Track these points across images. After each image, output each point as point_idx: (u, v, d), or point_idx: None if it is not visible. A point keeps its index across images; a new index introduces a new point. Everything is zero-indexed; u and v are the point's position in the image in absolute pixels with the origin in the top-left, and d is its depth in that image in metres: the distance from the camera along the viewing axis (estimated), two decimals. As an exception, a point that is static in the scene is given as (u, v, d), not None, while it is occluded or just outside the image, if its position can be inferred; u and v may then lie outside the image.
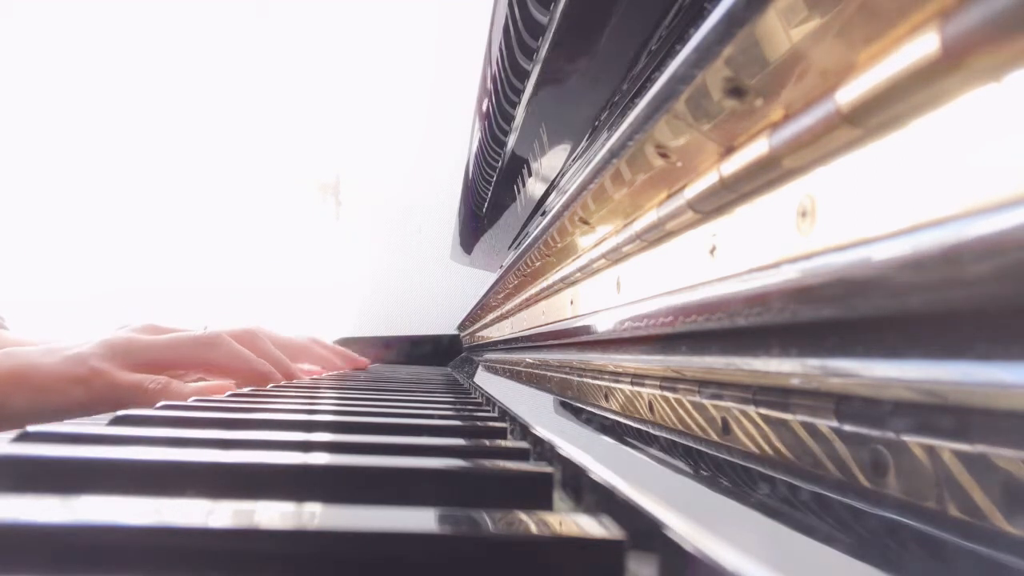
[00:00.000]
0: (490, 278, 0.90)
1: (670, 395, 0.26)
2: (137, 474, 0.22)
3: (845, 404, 0.15)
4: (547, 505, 0.23)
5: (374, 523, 0.17)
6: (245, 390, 0.61)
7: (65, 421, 0.34)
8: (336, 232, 2.22)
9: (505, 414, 0.45)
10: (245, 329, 0.75)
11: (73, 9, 2.25)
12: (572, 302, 0.43)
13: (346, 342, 1.42)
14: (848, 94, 0.14)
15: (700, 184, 0.21)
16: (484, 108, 0.60)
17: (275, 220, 2.24)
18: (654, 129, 0.23)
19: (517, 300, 0.66)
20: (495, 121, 0.57)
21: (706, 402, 0.22)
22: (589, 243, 0.37)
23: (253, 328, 0.76)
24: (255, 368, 0.71)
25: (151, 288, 1.99)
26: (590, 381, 0.38)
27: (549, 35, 0.37)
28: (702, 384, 0.23)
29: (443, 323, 1.57)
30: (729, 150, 0.20)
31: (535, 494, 0.23)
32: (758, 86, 0.17)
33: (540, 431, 0.33)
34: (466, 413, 0.45)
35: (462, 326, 1.37)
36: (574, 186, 0.34)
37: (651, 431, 0.27)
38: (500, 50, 0.48)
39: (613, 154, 0.27)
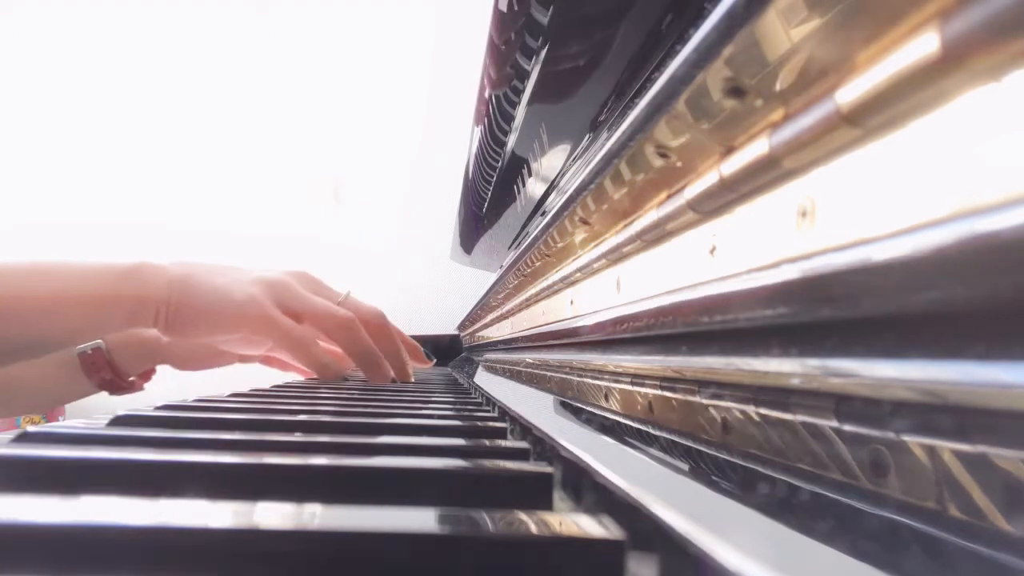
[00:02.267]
0: (490, 278, 0.90)
1: (670, 395, 0.26)
2: (136, 475, 0.22)
3: (845, 404, 0.15)
4: (547, 505, 0.23)
5: (374, 523, 0.17)
6: (245, 390, 0.61)
7: (65, 422, 0.34)
8: (336, 232, 2.22)
9: (505, 414, 0.45)
10: (376, 312, 0.78)
11: (76, 11, 2.24)
12: (572, 302, 0.43)
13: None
14: (848, 94, 0.14)
15: (700, 184, 0.21)
16: (484, 108, 0.60)
17: (275, 220, 2.24)
18: (654, 129, 0.23)
19: (517, 300, 0.66)
20: (495, 121, 0.57)
21: (706, 402, 0.22)
22: (589, 243, 0.37)
23: (381, 312, 0.78)
24: (372, 361, 0.73)
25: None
26: (590, 381, 0.38)
27: (549, 35, 0.37)
28: (702, 384, 0.23)
29: (443, 323, 1.57)
30: (729, 150, 0.20)
31: (535, 494, 0.23)
32: (758, 86, 0.17)
33: (540, 431, 0.33)
34: (466, 413, 0.45)
35: (462, 326, 1.37)
36: (574, 186, 0.34)
37: (651, 431, 0.27)
38: (500, 51, 0.48)
39: (613, 154, 0.27)
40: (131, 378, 0.80)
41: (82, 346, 0.74)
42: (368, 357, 0.73)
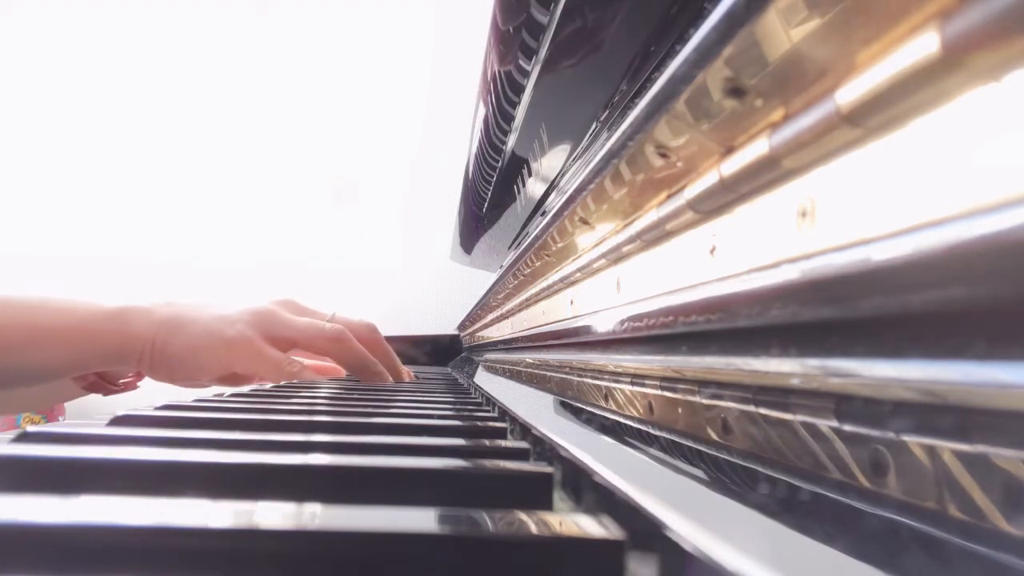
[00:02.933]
0: (490, 278, 0.90)
1: (670, 395, 0.26)
2: (136, 474, 0.22)
3: (845, 404, 0.15)
4: (547, 505, 0.23)
5: (374, 523, 0.17)
6: (245, 390, 0.61)
7: (65, 422, 0.34)
8: (336, 232, 2.22)
9: (505, 414, 0.45)
10: (367, 324, 0.80)
11: (75, 11, 2.25)
12: (572, 302, 0.43)
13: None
14: (848, 94, 0.14)
15: (700, 184, 0.21)
16: (484, 108, 0.60)
17: (276, 221, 2.24)
18: (654, 129, 0.23)
19: (517, 300, 0.66)
20: (495, 121, 0.57)
21: (706, 402, 0.22)
22: (589, 243, 0.37)
23: (373, 325, 0.81)
24: (369, 367, 0.75)
25: (153, 289, 1.99)
26: (590, 381, 0.38)
27: (549, 35, 0.37)
28: (702, 384, 0.23)
29: (443, 323, 1.57)
30: (729, 150, 0.20)
31: (535, 494, 0.23)
32: (758, 86, 0.17)
33: (540, 431, 0.33)
34: (466, 413, 0.45)
35: (462, 326, 1.37)
36: (574, 186, 0.34)
37: (651, 431, 0.27)
38: (500, 50, 0.48)
39: (613, 154, 0.27)
40: (121, 380, 0.80)
41: None
42: (363, 365, 0.75)
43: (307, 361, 0.75)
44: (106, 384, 0.78)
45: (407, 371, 0.83)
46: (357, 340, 0.74)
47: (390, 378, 0.77)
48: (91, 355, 0.66)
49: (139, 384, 0.83)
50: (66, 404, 2.04)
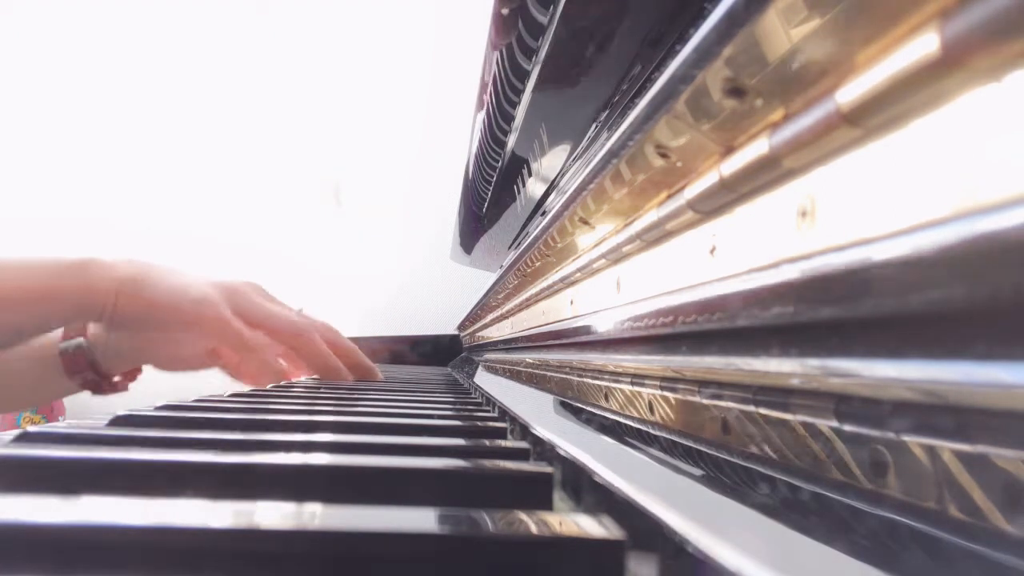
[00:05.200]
0: (490, 278, 0.90)
1: (670, 395, 0.26)
2: (136, 474, 0.22)
3: (845, 404, 0.15)
4: (547, 505, 0.23)
5: (374, 523, 0.17)
6: (245, 390, 0.61)
7: (65, 422, 0.34)
8: (336, 232, 2.22)
9: (505, 414, 0.45)
10: (330, 327, 0.79)
11: (75, 11, 2.24)
12: (572, 302, 0.43)
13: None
14: (848, 94, 0.14)
15: (700, 184, 0.21)
16: (484, 108, 0.60)
17: (275, 221, 2.24)
18: (654, 129, 0.23)
19: (517, 300, 0.66)
20: (495, 121, 0.57)
21: (706, 402, 0.22)
22: (589, 243, 0.37)
23: (336, 329, 0.80)
24: (330, 365, 0.74)
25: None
26: (590, 381, 0.38)
27: (549, 35, 0.37)
28: (702, 384, 0.23)
29: (443, 323, 1.57)
30: (729, 150, 0.20)
31: (535, 494, 0.23)
32: (758, 86, 0.17)
33: (540, 431, 0.33)
34: (466, 413, 0.45)
35: (462, 326, 1.37)
36: (574, 186, 0.34)
37: (651, 431, 0.27)
38: (500, 51, 0.48)
39: (613, 154, 0.27)
40: (115, 378, 0.80)
41: (64, 344, 0.73)
42: (325, 364, 0.74)
43: (280, 362, 0.74)
44: (100, 382, 0.77)
45: (376, 368, 0.83)
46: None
47: (351, 377, 0.76)
48: (54, 311, 0.65)
49: (129, 386, 0.83)
50: (66, 404, 2.04)
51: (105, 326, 0.68)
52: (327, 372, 0.74)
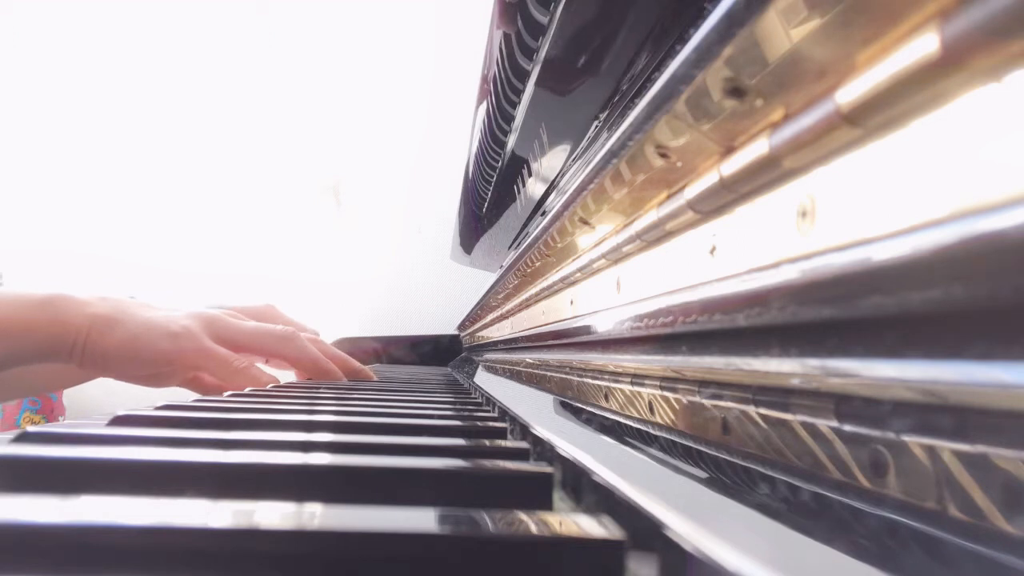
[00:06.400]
0: (490, 278, 0.90)
1: (670, 395, 0.26)
2: (136, 474, 0.22)
3: (845, 404, 0.15)
4: (547, 505, 0.23)
5: (374, 523, 0.17)
6: (246, 390, 0.61)
7: (65, 422, 0.34)
8: (336, 232, 2.22)
9: (505, 414, 0.45)
10: (311, 332, 0.81)
11: (75, 11, 2.25)
12: (572, 302, 0.43)
13: (346, 342, 1.42)
14: (848, 94, 0.14)
15: (700, 184, 0.21)
16: (484, 108, 0.60)
17: (275, 221, 2.24)
18: (654, 129, 0.23)
19: (517, 300, 0.66)
20: (495, 121, 0.57)
21: (706, 402, 0.22)
22: (589, 243, 0.37)
23: (316, 331, 0.82)
24: (321, 365, 0.75)
25: (154, 290, 1.99)
26: (590, 381, 0.38)
27: (549, 35, 0.37)
28: (702, 384, 0.23)
29: (443, 323, 1.57)
30: (729, 150, 0.20)
31: (535, 494, 0.23)
32: (758, 86, 0.17)
33: (540, 431, 0.33)
34: (466, 413, 0.45)
35: (462, 326, 1.37)
36: (574, 186, 0.34)
37: (651, 431, 0.27)
38: (500, 50, 0.48)
39: (613, 154, 0.27)
40: None
41: None
42: (315, 365, 0.74)
43: (267, 372, 0.73)
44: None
45: (369, 370, 0.83)
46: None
47: (343, 376, 0.77)
48: (24, 347, 0.64)
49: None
50: (66, 404, 2.04)
51: (77, 365, 0.67)
52: (319, 373, 0.75)
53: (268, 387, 0.65)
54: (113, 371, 0.69)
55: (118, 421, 0.35)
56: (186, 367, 0.70)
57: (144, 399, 0.49)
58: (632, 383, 0.30)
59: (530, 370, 0.59)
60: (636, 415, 0.29)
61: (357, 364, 0.81)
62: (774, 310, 0.17)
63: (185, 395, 0.65)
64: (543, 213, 0.54)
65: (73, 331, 0.65)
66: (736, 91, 0.18)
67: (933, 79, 0.12)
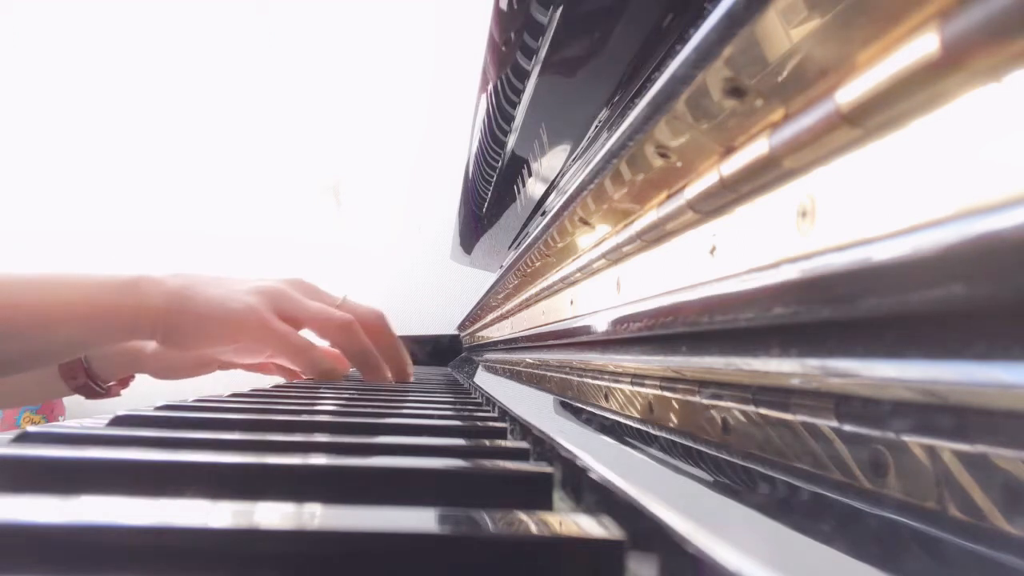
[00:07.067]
0: (490, 278, 0.90)
1: (670, 395, 0.26)
2: (136, 475, 0.22)
3: (845, 404, 0.15)
4: (547, 505, 0.23)
5: (374, 523, 0.17)
6: (245, 391, 0.61)
7: (65, 422, 0.34)
8: (336, 232, 2.22)
9: (505, 414, 0.45)
10: (375, 312, 0.77)
11: (75, 11, 2.24)
12: (572, 302, 0.43)
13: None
14: (848, 94, 0.14)
15: (700, 184, 0.21)
16: (484, 108, 0.60)
17: (275, 220, 2.24)
18: (654, 129, 0.23)
19: (517, 300, 0.66)
20: (495, 121, 0.57)
21: (706, 402, 0.22)
22: (589, 243, 0.37)
23: (381, 313, 0.78)
24: (370, 362, 0.74)
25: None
26: (590, 381, 0.38)
27: (549, 35, 0.37)
28: (702, 384, 0.23)
29: (443, 323, 1.57)
30: (729, 150, 0.20)
31: (535, 494, 0.23)
32: (758, 86, 0.17)
33: (540, 431, 0.33)
34: (466, 413, 0.45)
35: (462, 326, 1.37)
36: (574, 186, 0.34)
37: (651, 431, 0.27)
38: (500, 50, 0.48)
39: (613, 154, 0.27)
40: (108, 384, 0.80)
41: None
42: (365, 358, 0.73)
43: (329, 350, 0.74)
44: (94, 387, 0.78)
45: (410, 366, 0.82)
46: (363, 329, 0.73)
47: (389, 375, 0.76)
48: (108, 329, 0.65)
49: (122, 392, 0.83)
50: (66, 404, 2.04)
51: (159, 343, 0.68)
52: (368, 368, 0.74)
53: (269, 387, 0.65)
54: (189, 346, 0.69)
55: (118, 421, 0.35)
56: (253, 342, 0.70)
57: (144, 399, 0.49)
58: (632, 383, 0.30)
59: (530, 370, 0.59)
60: (636, 415, 0.29)
61: (403, 354, 0.78)
62: (774, 310, 0.17)
63: (185, 396, 0.65)
64: (543, 213, 0.54)
65: (153, 312, 0.66)
66: (736, 91, 0.18)
67: (933, 79, 0.12)
